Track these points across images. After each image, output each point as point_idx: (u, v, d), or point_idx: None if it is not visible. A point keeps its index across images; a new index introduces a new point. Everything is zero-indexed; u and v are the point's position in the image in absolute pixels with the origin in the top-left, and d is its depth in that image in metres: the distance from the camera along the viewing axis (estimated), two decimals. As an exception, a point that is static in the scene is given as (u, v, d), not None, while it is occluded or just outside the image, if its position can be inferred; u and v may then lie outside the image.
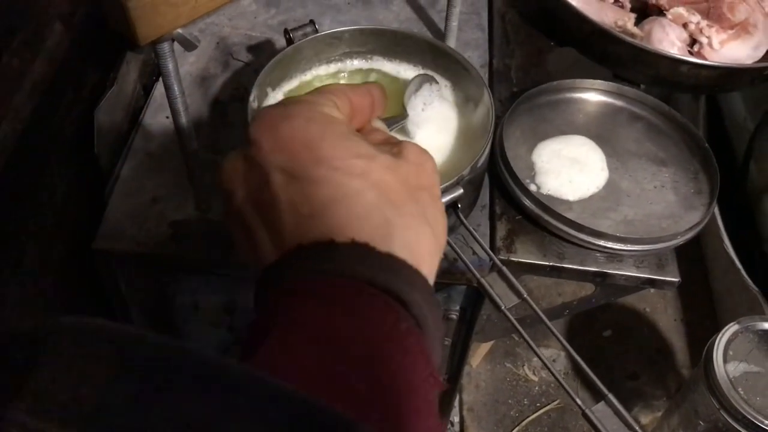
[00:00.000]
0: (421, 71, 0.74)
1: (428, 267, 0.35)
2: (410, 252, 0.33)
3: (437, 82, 0.67)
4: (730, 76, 0.79)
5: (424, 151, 0.39)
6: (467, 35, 0.88)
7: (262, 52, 0.84)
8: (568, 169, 0.72)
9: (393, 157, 0.36)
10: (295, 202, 0.34)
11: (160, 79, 0.75)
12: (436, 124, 0.68)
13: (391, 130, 0.49)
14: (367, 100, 0.42)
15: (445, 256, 0.66)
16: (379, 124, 0.44)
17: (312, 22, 0.72)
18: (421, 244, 0.35)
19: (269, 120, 0.36)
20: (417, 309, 0.32)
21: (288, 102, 0.38)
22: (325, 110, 0.37)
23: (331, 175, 0.34)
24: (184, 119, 0.58)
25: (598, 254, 0.67)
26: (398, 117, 0.61)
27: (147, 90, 0.79)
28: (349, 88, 0.41)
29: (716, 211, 0.96)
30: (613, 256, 0.67)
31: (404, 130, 0.63)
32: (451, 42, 0.85)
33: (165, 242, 0.66)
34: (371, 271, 0.32)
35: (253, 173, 0.35)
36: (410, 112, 0.63)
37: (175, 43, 0.53)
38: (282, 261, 0.34)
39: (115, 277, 0.70)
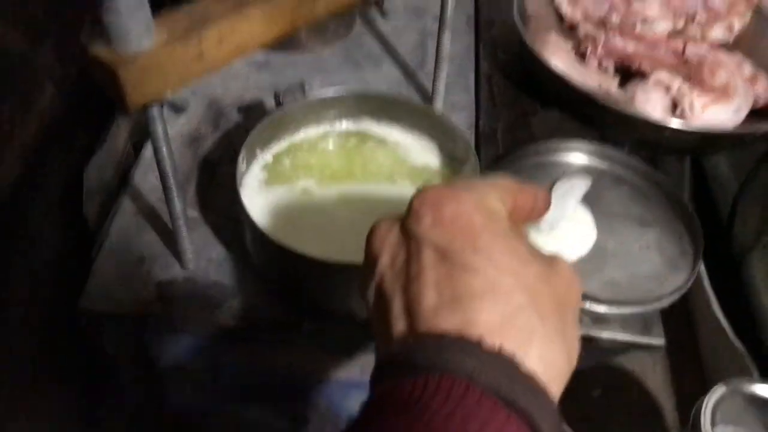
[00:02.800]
0: (408, 132, 0.75)
1: (557, 389, 0.33)
2: (544, 368, 0.32)
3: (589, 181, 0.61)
4: (712, 140, 0.80)
5: (574, 271, 0.38)
6: (454, 97, 0.89)
7: (253, 112, 0.85)
8: (556, 230, 0.72)
9: (546, 266, 0.36)
10: (441, 283, 0.33)
11: (151, 139, 0.76)
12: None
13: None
14: (530, 203, 0.41)
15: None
16: (523, 228, 0.43)
17: (302, 84, 0.73)
18: (556, 362, 0.33)
19: (436, 196, 0.36)
20: None
21: (457, 185, 0.38)
22: (491, 203, 0.37)
23: (486, 266, 0.33)
24: (172, 181, 0.59)
25: (584, 316, 0.67)
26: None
27: (137, 148, 0.80)
28: (517, 187, 0.40)
29: (703, 270, 0.97)
30: (599, 319, 0.67)
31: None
32: (439, 103, 0.86)
33: (151, 303, 0.66)
34: (513, 391, 0.30)
35: (405, 243, 0.35)
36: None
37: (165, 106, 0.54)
38: (417, 343, 0.32)
39: (101, 337, 0.70)
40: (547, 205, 0.44)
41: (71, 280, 0.67)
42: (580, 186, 0.58)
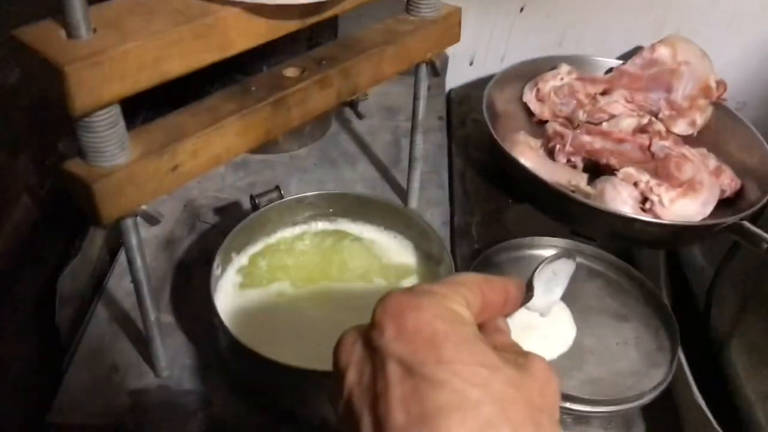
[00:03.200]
0: (384, 231, 0.76)
1: None
2: None
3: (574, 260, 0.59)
4: (682, 232, 0.82)
5: (551, 368, 0.37)
6: (429, 193, 0.91)
7: (229, 213, 0.85)
8: (530, 327, 0.72)
9: (518, 371, 0.35)
10: (408, 400, 0.32)
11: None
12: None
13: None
14: (500, 297, 0.41)
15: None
16: (502, 323, 0.43)
17: (277, 187, 0.74)
18: None
19: (397, 306, 0.35)
20: None
21: (419, 291, 0.37)
22: (455, 307, 0.36)
23: (451, 379, 0.32)
24: (146, 290, 0.58)
25: (565, 416, 0.66)
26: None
27: (113, 254, 0.80)
28: (485, 282, 0.40)
29: (684, 360, 0.96)
30: (580, 418, 0.66)
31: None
32: (414, 200, 0.87)
33: (123, 413, 0.64)
34: None
35: (370, 357, 0.35)
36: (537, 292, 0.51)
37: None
38: None
39: (70, 451, 0.67)
40: (520, 294, 0.43)
41: (42, 393, 0.66)
42: (564, 269, 0.57)
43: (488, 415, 0.32)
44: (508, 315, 0.43)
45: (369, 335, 0.35)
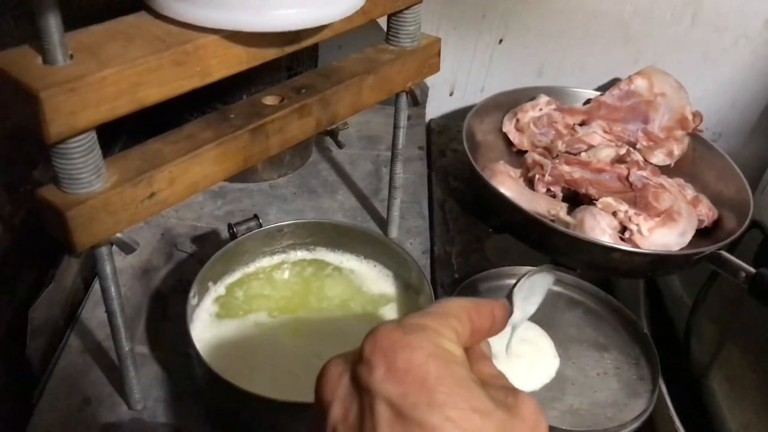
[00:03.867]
0: (363, 260, 0.76)
1: None
2: None
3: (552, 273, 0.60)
4: (661, 262, 0.82)
5: (540, 408, 0.36)
6: (409, 223, 0.91)
7: (206, 242, 0.85)
8: (512, 356, 0.72)
9: (508, 413, 0.34)
10: None
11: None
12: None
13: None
14: (488, 321, 0.40)
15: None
16: (485, 347, 0.42)
17: (256, 216, 0.74)
18: None
19: (387, 343, 0.34)
20: None
21: (409, 326, 0.36)
22: (446, 345, 0.35)
23: (443, 425, 0.31)
24: (120, 321, 0.57)
25: (546, 447, 0.66)
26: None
27: (87, 283, 0.78)
28: (473, 308, 0.39)
29: (665, 390, 0.96)
30: (562, 450, 0.66)
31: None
32: (394, 230, 0.87)
33: (94, 448, 0.62)
34: None
35: (357, 394, 0.33)
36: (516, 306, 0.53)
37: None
38: None
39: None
40: (506, 315, 0.42)
41: (10, 428, 0.64)
42: (541, 282, 0.57)
43: None
44: (493, 335, 0.42)
45: (357, 371, 0.34)
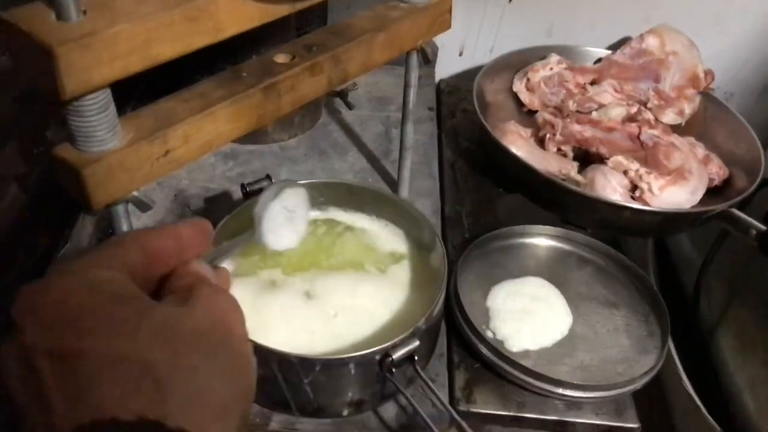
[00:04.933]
0: (375, 220, 0.76)
1: (222, 424, 0.32)
2: (188, 419, 0.30)
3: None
4: (672, 220, 0.82)
5: (231, 303, 0.36)
6: (419, 184, 0.91)
7: (219, 203, 0.85)
8: (524, 314, 0.72)
9: (175, 307, 0.34)
10: (63, 386, 0.30)
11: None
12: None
13: (233, 251, 0.45)
14: (169, 243, 0.38)
15: (404, 410, 0.65)
16: (199, 266, 0.39)
17: (268, 176, 0.74)
18: (204, 407, 0.32)
19: (29, 299, 0.33)
20: None
21: (51, 275, 0.34)
22: (91, 275, 0.34)
23: (95, 344, 0.31)
24: (136, 278, 0.58)
25: (557, 402, 0.67)
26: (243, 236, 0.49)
27: (102, 244, 0.79)
28: (144, 235, 0.37)
29: (673, 348, 0.97)
30: (572, 404, 0.67)
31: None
32: (404, 190, 0.87)
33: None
34: None
35: (22, 364, 0.32)
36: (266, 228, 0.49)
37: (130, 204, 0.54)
38: None
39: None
40: (199, 235, 0.40)
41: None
42: (298, 202, 0.53)
43: (141, 362, 0.31)
44: (199, 257, 0.40)
45: (16, 343, 0.32)
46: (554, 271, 0.78)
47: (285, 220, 0.50)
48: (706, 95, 1.00)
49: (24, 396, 0.31)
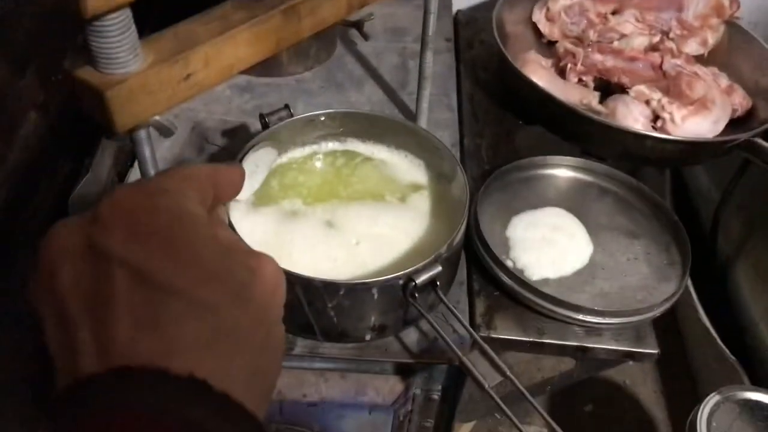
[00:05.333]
0: (394, 151, 0.76)
1: (259, 400, 0.31)
2: (245, 386, 0.30)
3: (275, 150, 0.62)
4: (693, 149, 0.81)
5: (280, 272, 0.35)
6: (437, 116, 0.90)
7: (236, 136, 0.85)
8: (544, 243, 0.73)
9: (250, 276, 0.33)
10: (138, 310, 0.29)
11: (135, 165, 0.75)
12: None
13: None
14: (233, 181, 0.39)
15: (426, 335, 0.65)
16: (222, 213, 0.40)
17: (287, 106, 0.73)
18: (256, 381, 0.31)
19: (129, 205, 0.31)
20: None
21: (151, 189, 0.32)
22: (191, 207, 0.33)
23: (186, 286, 0.30)
24: (160, 204, 0.58)
25: (577, 328, 0.67)
26: None
27: (121, 177, 0.79)
28: (214, 172, 0.37)
29: (689, 281, 0.98)
30: (592, 330, 0.67)
31: None
32: (423, 122, 0.86)
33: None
34: (205, 417, 0.28)
35: (92, 259, 0.30)
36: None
37: (152, 129, 0.53)
38: (108, 380, 0.28)
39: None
40: (242, 181, 0.41)
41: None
42: (266, 159, 0.57)
43: (220, 323, 0.30)
44: (230, 200, 0.41)
45: (92, 234, 0.30)
46: (574, 202, 0.78)
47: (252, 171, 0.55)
48: (731, 24, 0.98)
49: (77, 294, 0.29)
